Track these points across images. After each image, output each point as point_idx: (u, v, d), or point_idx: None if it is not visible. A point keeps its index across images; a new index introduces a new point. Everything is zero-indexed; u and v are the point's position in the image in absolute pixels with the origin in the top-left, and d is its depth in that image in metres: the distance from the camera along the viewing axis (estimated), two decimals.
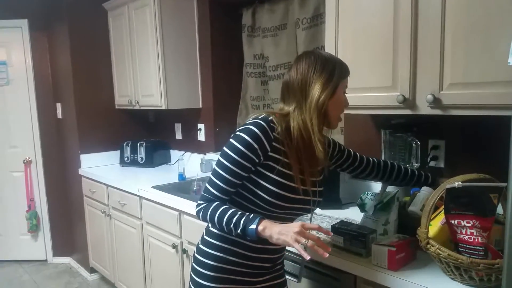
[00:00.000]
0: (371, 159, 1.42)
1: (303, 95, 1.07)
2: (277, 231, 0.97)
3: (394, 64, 1.34)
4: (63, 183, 3.40)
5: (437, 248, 1.07)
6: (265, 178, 1.07)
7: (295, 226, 0.97)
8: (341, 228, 1.31)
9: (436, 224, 1.16)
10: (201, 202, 1.10)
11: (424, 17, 1.25)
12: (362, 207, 1.42)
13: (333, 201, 1.79)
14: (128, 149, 3.06)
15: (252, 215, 1.02)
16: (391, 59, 1.34)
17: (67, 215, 3.43)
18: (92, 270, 3.19)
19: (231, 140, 1.07)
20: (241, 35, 2.54)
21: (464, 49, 1.17)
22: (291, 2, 2.23)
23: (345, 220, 1.52)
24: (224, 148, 1.07)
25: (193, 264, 1.20)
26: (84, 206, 3.11)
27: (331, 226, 1.35)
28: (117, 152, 3.14)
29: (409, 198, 1.41)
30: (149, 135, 3.31)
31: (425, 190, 1.33)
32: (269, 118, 1.07)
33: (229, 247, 1.14)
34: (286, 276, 1.32)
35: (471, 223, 1.05)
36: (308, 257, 0.92)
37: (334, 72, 1.08)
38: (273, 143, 1.06)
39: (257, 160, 1.06)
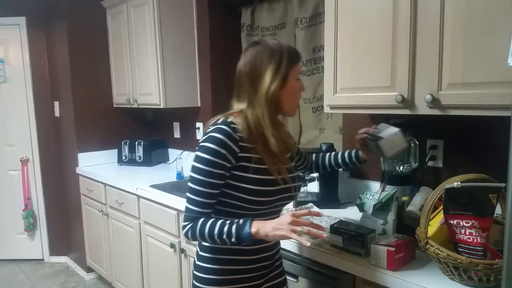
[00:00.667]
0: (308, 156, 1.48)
1: (253, 89, 1.07)
2: (272, 228, 0.97)
3: (393, 64, 1.34)
4: (61, 182, 3.39)
5: (436, 248, 1.07)
6: (242, 179, 1.06)
7: (286, 218, 0.97)
8: (340, 228, 1.31)
9: (435, 224, 1.16)
10: (186, 223, 1.06)
11: (423, 17, 1.25)
12: (361, 207, 1.42)
13: (332, 201, 1.79)
14: (126, 147, 3.05)
15: (241, 220, 1.00)
16: (390, 59, 1.34)
17: (64, 214, 3.42)
18: (89, 270, 3.18)
19: (197, 153, 1.04)
20: (240, 34, 2.54)
21: (463, 49, 1.16)
22: (290, 1, 2.23)
23: (344, 219, 1.52)
24: (193, 162, 1.05)
25: (194, 281, 1.17)
26: (81, 205, 3.09)
27: (330, 225, 1.34)
28: (115, 151, 3.12)
29: (408, 198, 1.41)
30: (147, 133, 3.30)
31: (424, 190, 1.33)
32: (228, 120, 1.07)
33: (226, 257, 1.12)
34: (286, 276, 1.32)
35: (470, 223, 1.05)
36: (308, 244, 0.93)
37: (282, 60, 1.06)
38: (240, 143, 1.05)
39: (229, 165, 1.04)
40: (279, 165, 1.10)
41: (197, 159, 1.04)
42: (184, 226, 1.06)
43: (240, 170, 1.06)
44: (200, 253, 1.17)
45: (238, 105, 1.10)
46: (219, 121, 1.07)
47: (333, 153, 1.48)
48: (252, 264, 1.14)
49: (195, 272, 1.17)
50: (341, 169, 1.56)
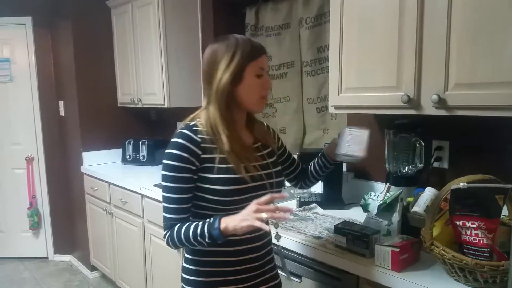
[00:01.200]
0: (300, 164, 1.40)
1: (209, 86, 1.07)
2: (238, 220, 0.96)
3: (399, 64, 1.33)
4: (65, 180, 3.41)
5: (442, 249, 1.06)
6: (209, 180, 1.05)
7: (251, 207, 0.96)
8: (344, 228, 1.31)
9: (440, 225, 1.15)
10: (165, 232, 1.06)
11: (429, 16, 1.24)
12: (365, 208, 1.41)
13: (336, 201, 1.79)
14: (130, 147, 3.06)
15: (211, 219, 1.00)
16: (396, 59, 1.33)
17: (68, 212, 3.43)
18: (93, 268, 3.19)
19: (163, 161, 1.06)
20: (244, 34, 2.54)
21: (470, 49, 1.16)
22: (295, 1, 2.22)
23: (348, 220, 1.52)
24: (162, 171, 1.06)
25: (182, 284, 1.16)
26: (85, 204, 3.11)
27: (334, 226, 1.34)
28: (119, 150, 3.14)
29: (413, 198, 1.41)
30: (151, 133, 3.30)
31: (429, 190, 1.32)
32: (191, 124, 1.08)
33: (209, 259, 1.10)
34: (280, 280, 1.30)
35: (476, 224, 1.04)
36: (267, 228, 0.93)
37: (234, 56, 1.03)
38: (202, 145, 1.05)
39: (193, 168, 1.04)
40: (247, 163, 1.07)
41: (164, 166, 1.06)
42: (164, 235, 1.07)
43: (205, 172, 1.05)
44: (186, 255, 1.16)
45: (203, 103, 1.13)
46: (182, 126, 1.09)
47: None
48: (237, 265, 1.10)
49: (182, 274, 1.16)
50: (321, 175, 1.37)
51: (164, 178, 1.05)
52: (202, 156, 1.05)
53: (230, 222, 0.97)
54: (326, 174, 1.37)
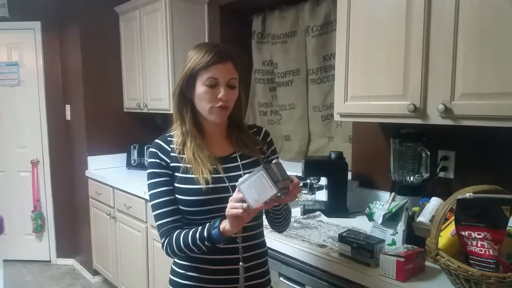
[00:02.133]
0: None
1: None
2: (228, 217, 0.95)
3: (406, 73, 1.33)
4: (70, 184, 3.42)
5: (447, 260, 1.05)
6: (176, 189, 1.08)
7: (228, 206, 0.95)
8: (348, 237, 1.30)
9: (445, 236, 1.14)
10: (162, 240, 1.07)
11: (436, 26, 1.25)
12: (370, 216, 1.40)
13: (340, 210, 1.78)
14: (135, 152, 3.07)
15: (212, 221, 1.01)
16: (403, 68, 1.34)
17: (72, 216, 3.44)
18: (95, 273, 3.19)
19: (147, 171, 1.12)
20: (250, 41, 2.56)
21: (477, 59, 1.16)
22: (301, 9, 2.24)
23: (353, 229, 1.51)
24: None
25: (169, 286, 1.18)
26: (89, 208, 3.11)
27: (339, 234, 1.33)
28: (124, 155, 3.15)
29: (418, 208, 1.40)
30: (156, 138, 3.31)
31: (435, 200, 1.32)
32: (168, 134, 1.15)
33: (186, 263, 1.12)
34: (289, 284, 1.30)
35: (482, 235, 1.03)
36: (245, 205, 0.91)
37: (189, 63, 1.07)
38: (171, 154, 1.10)
39: (169, 172, 1.09)
40: (206, 174, 1.05)
41: (147, 176, 1.11)
42: (162, 244, 1.08)
43: (175, 180, 1.08)
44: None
45: None
46: (159, 136, 1.15)
47: None
48: (209, 274, 1.09)
49: (170, 276, 1.20)
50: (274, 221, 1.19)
51: (148, 187, 1.11)
52: (171, 164, 1.09)
53: (226, 223, 0.97)
54: (278, 219, 1.16)
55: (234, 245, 1.08)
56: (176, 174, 1.08)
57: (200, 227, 1.02)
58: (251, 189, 0.92)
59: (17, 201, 3.49)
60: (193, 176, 1.06)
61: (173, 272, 1.17)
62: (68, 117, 3.36)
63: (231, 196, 0.99)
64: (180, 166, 1.08)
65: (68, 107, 3.35)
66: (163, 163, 1.09)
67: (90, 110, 3.07)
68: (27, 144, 3.45)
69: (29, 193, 3.45)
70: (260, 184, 0.91)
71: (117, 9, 3.03)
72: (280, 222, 1.17)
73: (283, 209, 1.13)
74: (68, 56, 3.26)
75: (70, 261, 3.54)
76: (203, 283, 1.10)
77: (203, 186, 1.05)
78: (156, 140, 1.14)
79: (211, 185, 1.05)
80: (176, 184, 1.08)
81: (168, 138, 1.13)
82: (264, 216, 1.20)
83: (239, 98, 1.13)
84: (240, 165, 1.12)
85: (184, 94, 1.10)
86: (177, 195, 1.08)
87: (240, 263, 1.08)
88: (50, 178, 3.46)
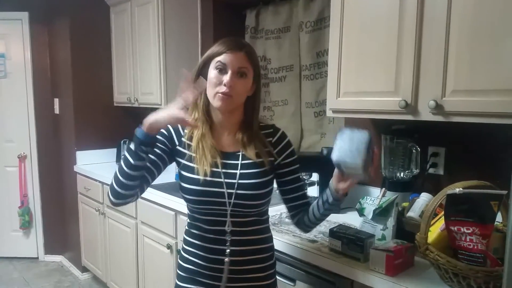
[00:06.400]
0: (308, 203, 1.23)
1: None
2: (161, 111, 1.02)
3: (398, 69, 1.34)
4: (58, 179, 3.37)
5: (436, 254, 1.06)
6: (180, 176, 1.13)
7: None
8: (339, 232, 1.30)
9: (435, 231, 1.15)
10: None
11: (428, 23, 1.25)
12: (360, 212, 1.41)
13: None
14: (125, 147, 3.04)
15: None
16: (395, 64, 1.34)
17: (60, 212, 3.39)
18: (84, 269, 3.15)
19: None
20: (244, 36, 2.54)
21: (468, 56, 1.17)
22: (295, 5, 2.24)
23: (343, 224, 1.51)
24: None
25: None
26: (78, 203, 3.07)
27: (329, 229, 1.34)
28: (114, 150, 3.11)
29: (408, 204, 1.41)
30: None
31: (424, 196, 1.33)
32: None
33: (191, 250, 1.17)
34: (280, 279, 1.30)
35: (471, 230, 1.04)
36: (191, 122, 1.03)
37: (207, 52, 1.12)
38: (182, 139, 1.15)
39: (168, 149, 1.14)
40: (206, 166, 1.08)
41: None
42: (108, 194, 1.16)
43: (177, 165, 1.16)
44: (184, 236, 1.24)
45: None
46: None
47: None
48: (185, 263, 1.18)
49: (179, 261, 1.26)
50: (318, 217, 1.19)
51: None
52: (177, 147, 1.15)
53: (149, 116, 1.02)
54: (325, 216, 1.18)
55: (222, 237, 1.11)
56: (180, 160, 1.14)
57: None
58: (346, 142, 1.00)
59: (3, 197, 3.43)
60: (194, 165, 1.10)
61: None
62: (57, 111, 3.30)
63: (224, 192, 1.05)
64: (186, 153, 1.13)
65: (56, 100, 3.29)
66: (170, 140, 1.14)
67: (79, 104, 3.02)
68: (14, 138, 3.38)
69: (16, 189, 3.39)
70: (357, 143, 0.99)
71: (108, 1, 2.98)
72: (320, 221, 1.21)
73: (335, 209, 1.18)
74: (57, 49, 3.20)
75: (58, 258, 3.49)
76: (196, 266, 1.16)
77: (201, 177, 1.08)
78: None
79: (208, 178, 1.08)
80: (180, 171, 1.14)
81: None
82: (292, 219, 1.25)
83: (253, 97, 1.15)
84: (239, 164, 1.12)
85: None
86: (180, 182, 1.13)
87: (226, 258, 1.11)
88: (38, 173, 3.40)
